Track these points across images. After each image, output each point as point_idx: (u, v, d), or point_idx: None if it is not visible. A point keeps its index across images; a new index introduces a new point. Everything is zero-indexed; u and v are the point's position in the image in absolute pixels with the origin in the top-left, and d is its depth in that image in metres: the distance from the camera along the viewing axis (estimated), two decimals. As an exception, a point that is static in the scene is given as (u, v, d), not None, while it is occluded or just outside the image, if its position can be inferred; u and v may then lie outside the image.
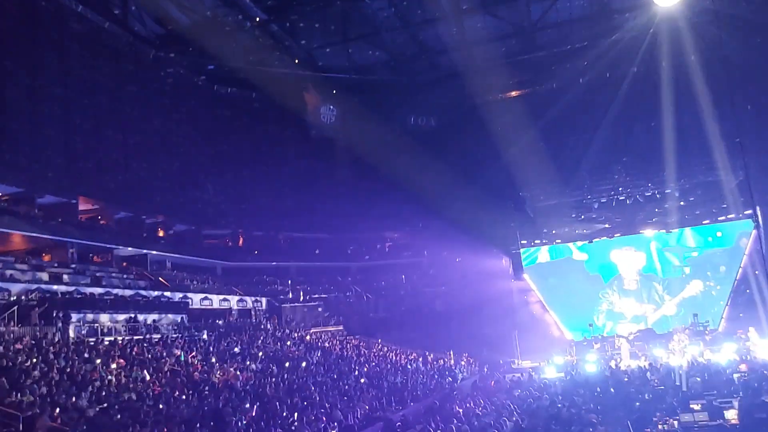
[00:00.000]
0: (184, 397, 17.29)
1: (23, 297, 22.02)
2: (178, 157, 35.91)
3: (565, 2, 31.86)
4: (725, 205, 32.96)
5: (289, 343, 29.70)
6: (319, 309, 38.95)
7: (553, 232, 37.16)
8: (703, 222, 34.42)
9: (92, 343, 20.72)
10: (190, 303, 30.92)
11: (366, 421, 17.90)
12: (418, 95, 38.69)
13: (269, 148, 41.22)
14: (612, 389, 18.33)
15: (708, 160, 31.75)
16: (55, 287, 23.89)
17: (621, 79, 34.64)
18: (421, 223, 41.02)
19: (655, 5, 27.37)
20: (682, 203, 34.01)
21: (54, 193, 28.18)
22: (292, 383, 21.34)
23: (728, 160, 30.39)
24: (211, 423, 14.98)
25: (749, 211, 30.66)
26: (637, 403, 15.86)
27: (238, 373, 21.35)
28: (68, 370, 16.87)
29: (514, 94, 37.80)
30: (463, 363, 31.37)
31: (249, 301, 35.74)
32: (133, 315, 25.64)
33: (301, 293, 38.91)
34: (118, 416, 14.45)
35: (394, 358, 31.07)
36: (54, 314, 21.60)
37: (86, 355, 18.72)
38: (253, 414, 16.37)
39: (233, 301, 34.60)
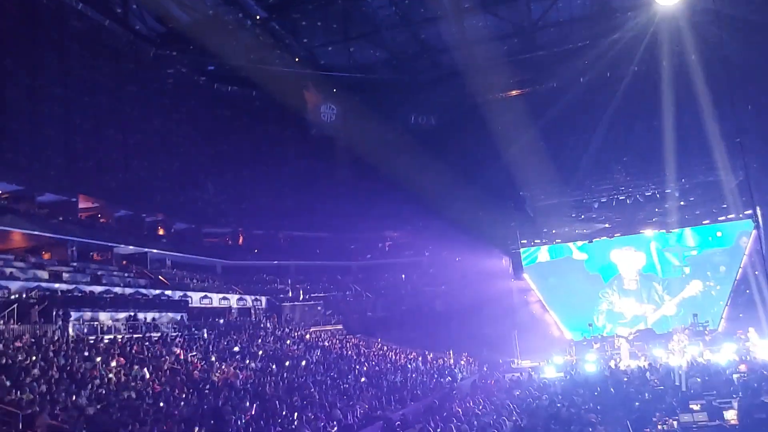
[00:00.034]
0: (183, 395, 17.30)
1: (23, 295, 22.02)
2: (178, 155, 35.93)
3: (566, 1, 31.82)
4: (725, 205, 32.97)
5: (288, 342, 29.71)
6: (319, 308, 38.96)
7: (553, 231, 37.17)
8: (703, 222, 34.44)
9: (92, 342, 20.74)
10: (190, 301, 30.93)
11: (365, 420, 17.91)
12: (418, 94, 38.66)
13: (269, 147, 41.21)
14: (611, 389, 18.33)
15: (708, 160, 31.72)
16: (55, 285, 23.89)
17: (621, 79, 34.60)
18: (421, 222, 41.00)
19: (655, 4, 27.38)
20: (682, 203, 34.02)
21: (54, 191, 28.19)
22: (292, 382, 21.36)
23: (728, 160, 30.37)
24: (211, 421, 14.98)
25: (749, 211, 30.67)
26: (637, 403, 15.86)
27: (238, 371, 21.37)
28: (68, 368, 16.88)
29: (514, 93, 37.76)
30: (462, 362, 31.40)
31: (249, 299, 35.77)
32: (132, 313, 25.65)
33: (301, 292, 38.91)
34: (118, 414, 14.45)
35: (393, 357, 31.09)
36: (54, 312, 21.60)
37: (86, 354, 18.73)
38: (253, 413, 16.38)
39: (233, 299, 34.62)
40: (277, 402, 17.57)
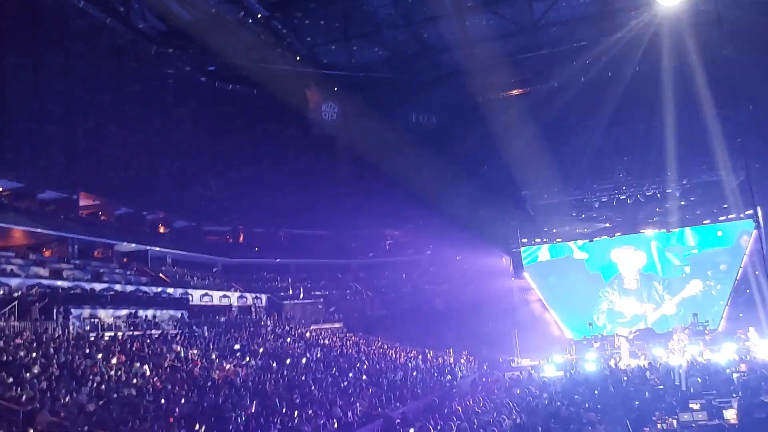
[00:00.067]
0: (184, 392, 17.33)
1: (24, 292, 22.06)
2: (179, 153, 35.96)
3: (568, 0, 31.81)
4: (726, 205, 32.96)
5: (289, 339, 29.74)
6: (320, 306, 39.02)
7: (554, 230, 37.17)
8: (704, 222, 34.45)
9: (92, 339, 20.80)
10: (191, 299, 30.99)
11: (365, 418, 17.92)
12: (419, 93, 38.61)
13: (270, 145, 41.16)
14: (611, 388, 18.30)
15: (709, 160, 31.70)
16: (55, 282, 23.95)
17: (622, 79, 34.56)
18: (421, 221, 41.03)
19: (657, 5, 27.31)
20: (682, 203, 34.01)
21: (55, 188, 28.27)
22: (292, 380, 21.38)
23: (729, 160, 30.35)
24: (211, 419, 14.99)
25: (750, 211, 30.66)
26: (637, 402, 15.85)
27: (238, 369, 21.39)
28: (68, 365, 16.92)
29: (515, 92, 37.67)
30: (462, 361, 31.41)
31: (249, 297, 35.82)
32: (133, 311, 25.71)
33: (302, 290, 38.97)
34: (118, 411, 14.49)
35: (393, 355, 31.12)
36: (54, 309, 21.66)
37: (86, 351, 18.78)
38: (253, 410, 16.39)
39: (233, 297, 34.67)
40: (277, 400, 17.60)
